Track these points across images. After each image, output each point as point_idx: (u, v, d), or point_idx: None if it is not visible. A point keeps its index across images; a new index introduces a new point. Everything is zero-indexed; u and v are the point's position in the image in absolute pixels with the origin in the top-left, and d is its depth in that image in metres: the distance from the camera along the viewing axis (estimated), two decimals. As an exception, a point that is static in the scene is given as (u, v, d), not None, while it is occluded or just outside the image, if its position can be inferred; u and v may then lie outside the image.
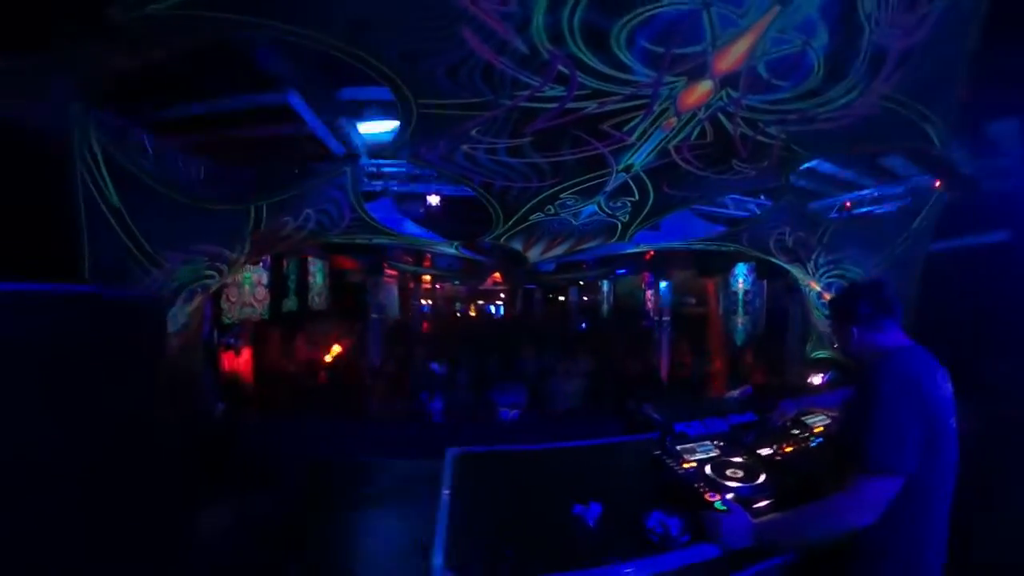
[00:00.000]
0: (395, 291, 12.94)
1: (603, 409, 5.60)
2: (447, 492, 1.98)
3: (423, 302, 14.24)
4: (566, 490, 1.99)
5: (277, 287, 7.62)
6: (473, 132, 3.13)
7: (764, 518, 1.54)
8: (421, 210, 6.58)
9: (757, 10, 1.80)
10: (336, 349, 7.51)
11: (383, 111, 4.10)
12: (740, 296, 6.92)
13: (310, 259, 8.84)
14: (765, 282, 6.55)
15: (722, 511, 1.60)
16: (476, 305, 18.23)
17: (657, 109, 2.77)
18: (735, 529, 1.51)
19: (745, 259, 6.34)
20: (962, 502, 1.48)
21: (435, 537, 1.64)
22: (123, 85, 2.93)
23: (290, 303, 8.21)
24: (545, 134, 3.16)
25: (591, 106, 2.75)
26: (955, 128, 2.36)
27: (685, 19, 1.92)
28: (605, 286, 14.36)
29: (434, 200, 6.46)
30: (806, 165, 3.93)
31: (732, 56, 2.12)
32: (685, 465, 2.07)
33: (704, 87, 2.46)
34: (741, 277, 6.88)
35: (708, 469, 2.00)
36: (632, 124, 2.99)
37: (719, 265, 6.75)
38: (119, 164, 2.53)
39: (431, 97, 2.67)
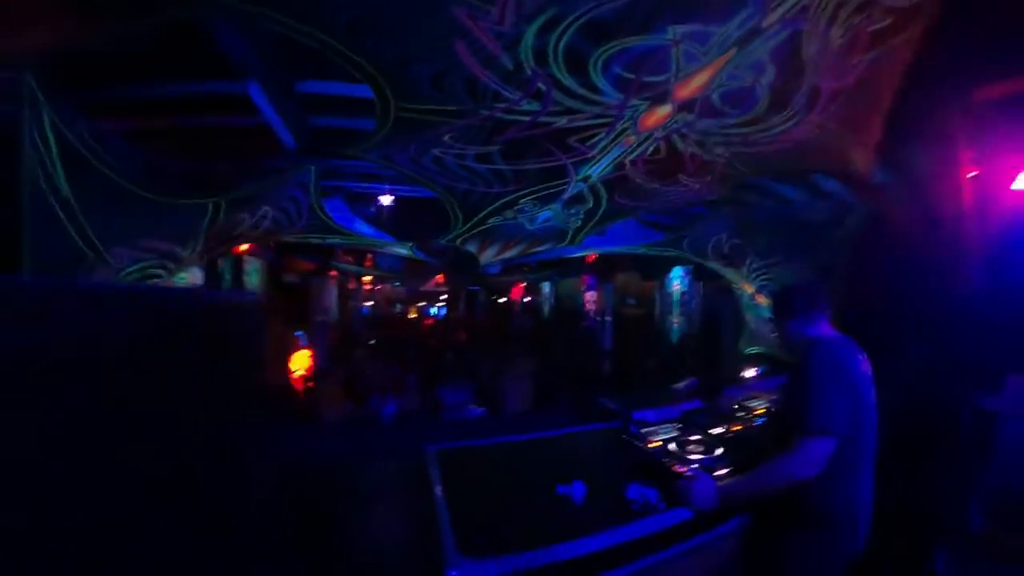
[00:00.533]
0: (334, 292, 12.49)
1: (553, 405, 5.85)
2: (439, 487, 2.06)
3: (364, 303, 13.86)
4: (548, 474, 2.16)
5: (210, 287, 7.16)
6: (446, 138, 3.25)
7: (726, 481, 1.82)
8: (372, 209, 6.51)
9: (718, 49, 2.10)
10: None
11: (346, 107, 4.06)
12: (676, 297, 7.54)
13: (245, 258, 8.36)
14: (701, 284, 7.20)
15: (691, 479, 1.86)
16: (417, 307, 18.01)
17: (619, 127, 3.04)
18: (704, 493, 1.76)
19: (683, 263, 6.92)
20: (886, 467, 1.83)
21: (441, 529, 1.73)
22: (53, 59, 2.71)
23: (224, 304, 7.72)
24: (514, 144, 3.34)
25: (561, 121, 2.97)
26: (876, 152, 2.85)
27: (656, 52, 2.19)
28: (546, 288, 14.78)
29: (387, 200, 6.43)
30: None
31: (692, 86, 2.43)
32: (651, 445, 2.34)
33: (663, 110, 2.76)
34: (677, 279, 7.50)
35: (672, 446, 2.28)
36: (595, 139, 3.25)
37: (659, 268, 7.30)
38: (74, 150, 2.36)
39: (411, 101, 2.75)
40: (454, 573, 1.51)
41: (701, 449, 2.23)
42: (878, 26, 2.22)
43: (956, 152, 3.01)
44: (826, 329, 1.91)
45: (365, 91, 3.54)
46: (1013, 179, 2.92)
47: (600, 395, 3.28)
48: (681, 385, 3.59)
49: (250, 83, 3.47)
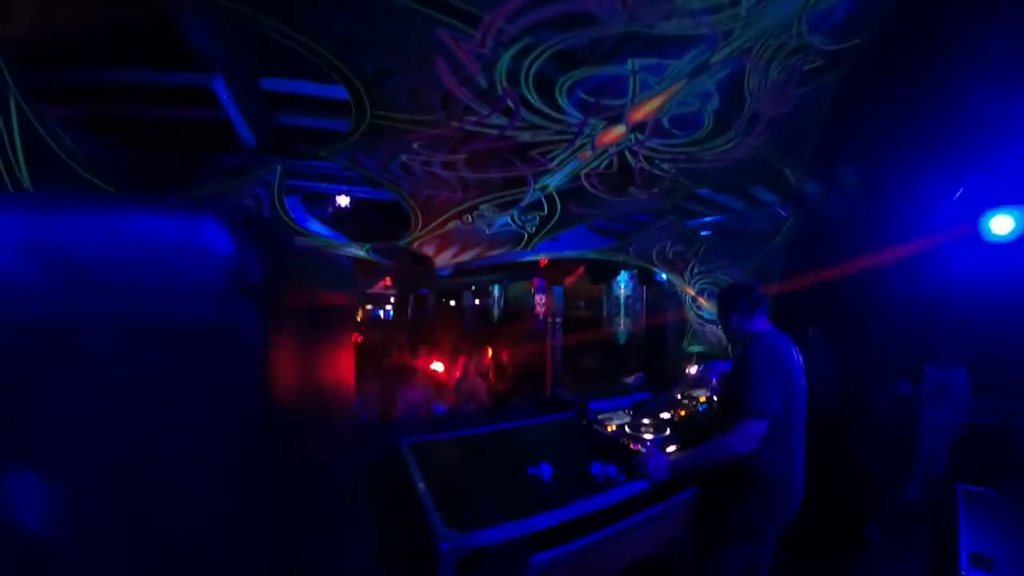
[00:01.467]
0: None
1: (512, 401, 6.05)
2: (420, 474, 2.19)
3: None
4: (517, 459, 2.36)
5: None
6: (415, 145, 3.37)
7: (676, 456, 2.11)
8: (329, 210, 6.41)
9: (670, 80, 2.41)
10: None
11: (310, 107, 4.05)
12: (622, 300, 8.04)
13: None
14: (644, 287, 7.72)
15: (646, 454, 2.13)
16: (364, 309, 17.57)
17: (578, 144, 3.32)
18: (657, 466, 2.04)
19: (630, 267, 7.37)
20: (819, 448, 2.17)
21: (427, 510, 1.87)
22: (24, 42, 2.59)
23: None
24: (479, 154, 3.52)
25: (525, 135, 3.20)
26: (806, 171, 3.30)
27: (616, 80, 2.47)
28: (496, 290, 14.97)
29: (343, 201, 6.37)
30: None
31: (645, 110, 2.74)
32: (609, 429, 2.62)
33: (618, 130, 3.06)
34: (623, 283, 8.00)
35: (627, 429, 2.56)
36: (554, 153, 3.51)
37: (608, 272, 7.74)
38: (39, 140, 2.28)
39: (387, 110, 2.87)
40: (446, 546, 1.67)
41: (652, 431, 2.52)
42: (811, 66, 2.63)
43: (881, 170, 3.50)
44: (764, 324, 2.21)
45: (330, 91, 3.59)
46: (931, 195, 3.45)
47: (557, 390, 3.55)
48: (631, 379, 3.94)
49: (215, 77, 3.41)
